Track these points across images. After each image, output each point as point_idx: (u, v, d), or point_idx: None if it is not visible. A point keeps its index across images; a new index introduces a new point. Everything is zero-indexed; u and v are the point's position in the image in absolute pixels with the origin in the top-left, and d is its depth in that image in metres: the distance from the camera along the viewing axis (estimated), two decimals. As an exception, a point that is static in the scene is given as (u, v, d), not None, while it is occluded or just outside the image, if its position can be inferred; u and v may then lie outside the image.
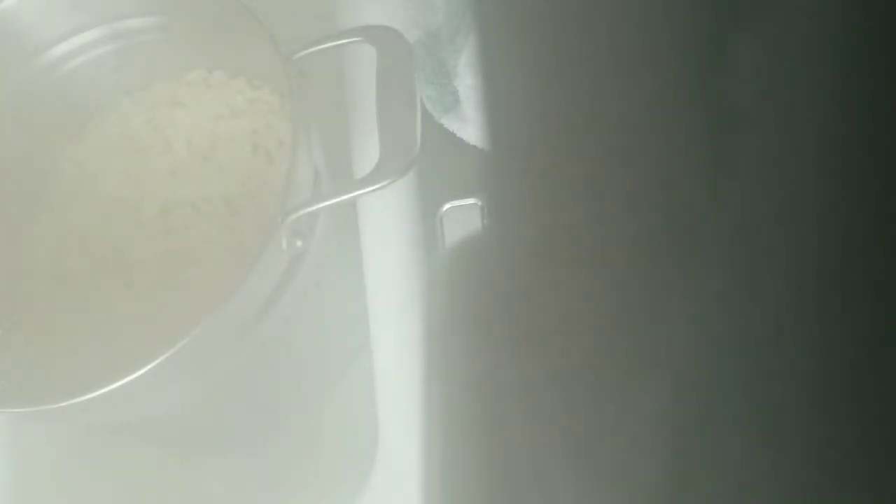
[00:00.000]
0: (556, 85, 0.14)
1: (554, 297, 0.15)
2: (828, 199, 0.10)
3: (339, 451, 0.46)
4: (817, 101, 0.10)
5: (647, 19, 0.11)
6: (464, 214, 0.42)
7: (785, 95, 0.10)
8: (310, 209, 0.34)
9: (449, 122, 0.42)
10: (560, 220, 0.14)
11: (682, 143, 0.11)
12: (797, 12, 0.10)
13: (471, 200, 0.42)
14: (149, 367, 0.31)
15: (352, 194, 0.34)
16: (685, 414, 0.13)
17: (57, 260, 0.45)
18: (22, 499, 0.48)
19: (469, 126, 0.42)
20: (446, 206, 0.42)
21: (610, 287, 0.14)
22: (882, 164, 0.10)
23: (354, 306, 0.42)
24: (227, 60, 0.46)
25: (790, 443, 0.12)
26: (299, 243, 0.36)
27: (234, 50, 0.44)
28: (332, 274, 0.42)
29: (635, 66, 0.12)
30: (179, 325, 0.32)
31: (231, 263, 0.42)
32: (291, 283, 0.37)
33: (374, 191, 0.34)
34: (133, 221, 0.44)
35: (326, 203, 0.34)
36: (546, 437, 0.17)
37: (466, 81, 0.41)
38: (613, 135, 0.12)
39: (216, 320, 0.32)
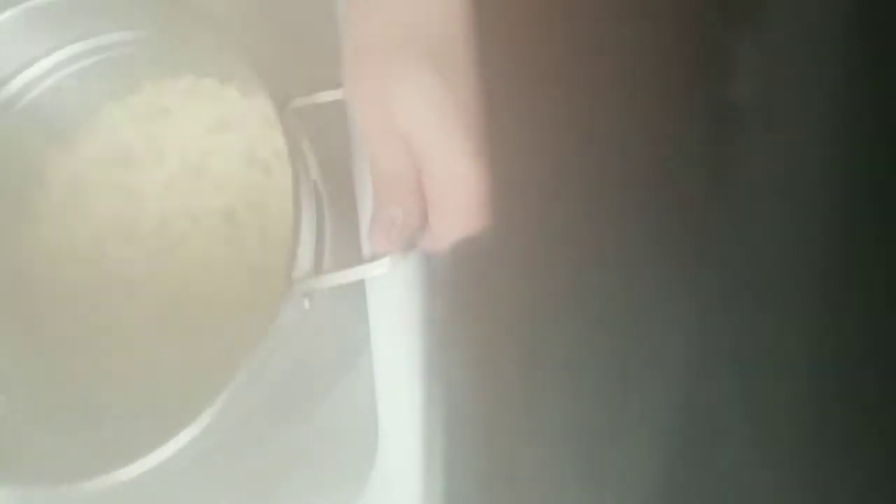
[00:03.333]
0: (556, 86, 0.14)
1: (554, 297, 0.15)
2: (830, 199, 0.10)
3: (339, 451, 0.46)
4: (818, 101, 0.10)
5: (646, 20, 0.11)
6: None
7: (785, 95, 0.10)
8: (315, 287, 0.33)
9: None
10: (560, 220, 0.15)
11: (683, 144, 0.11)
12: (798, 14, 0.10)
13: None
14: (162, 456, 0.31)
15: (358, 277, 0.33)
16: (686, 414, 0.13)
17: (55, 272, 0.44)
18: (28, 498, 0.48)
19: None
20: (446, 206, 0.42)
21: (610, 288, 0.14)
22: (884, 163, 0.10)
23: (354, 307, 0.42)
24: (217, 68, 0.46)
25: (789, 444, 0.12)
26: (306, 304, 0.35)
27: (223, 57, 0.43)
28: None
29: (636, 67, 0.12)
30: (183, 337, 0.31)
31: (232, 278, 0.42)
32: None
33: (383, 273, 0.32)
34: (131, 235, 0.44)
35: (331, 284, 0.34)
36: (546, 437, 0.17)
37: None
38: (614, 137, 0.13)
39: (231, 396, 0.32)
